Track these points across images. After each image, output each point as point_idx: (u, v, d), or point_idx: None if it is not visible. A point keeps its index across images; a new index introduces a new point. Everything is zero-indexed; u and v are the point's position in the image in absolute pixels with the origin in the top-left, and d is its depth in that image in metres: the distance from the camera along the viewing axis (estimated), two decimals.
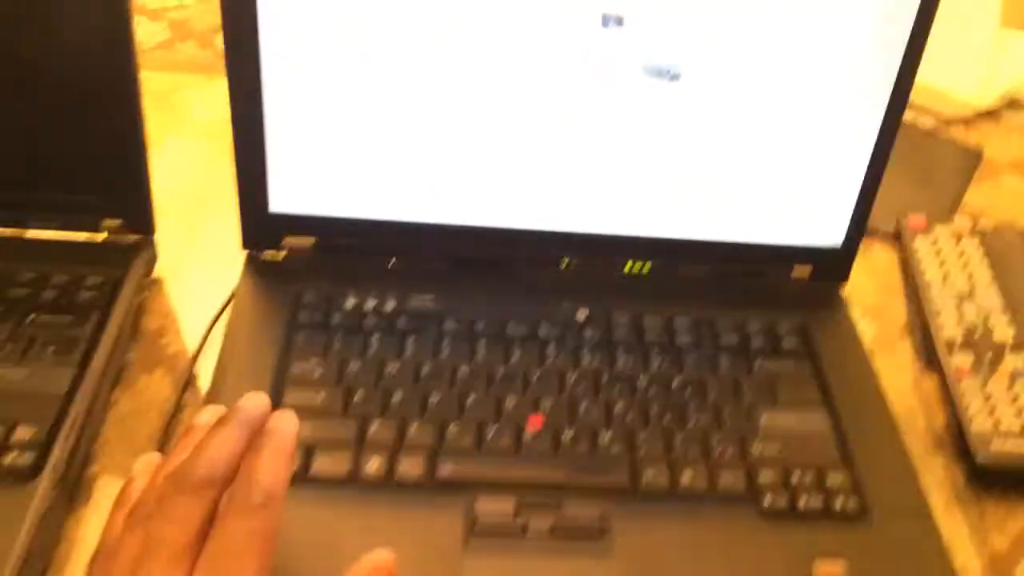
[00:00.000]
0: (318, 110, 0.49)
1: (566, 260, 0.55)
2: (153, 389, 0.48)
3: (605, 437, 0.46)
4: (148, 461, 0.36)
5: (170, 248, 0.56)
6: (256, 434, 0.34)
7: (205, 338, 0.50)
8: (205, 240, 0.58)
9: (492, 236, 0.53)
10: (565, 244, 0.55)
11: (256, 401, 0.35)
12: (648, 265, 0.56)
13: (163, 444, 0.46)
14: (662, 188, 0.53)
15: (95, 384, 0.45)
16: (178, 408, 0.47)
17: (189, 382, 0.48)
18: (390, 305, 0.51)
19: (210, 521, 0.32)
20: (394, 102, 0.49)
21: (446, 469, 0.44)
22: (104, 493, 0.44)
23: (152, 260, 0.54)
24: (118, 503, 0.34)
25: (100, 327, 0.47)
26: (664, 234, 0.54)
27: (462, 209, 0.53)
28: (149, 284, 0.54)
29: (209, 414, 0.36)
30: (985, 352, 0.54)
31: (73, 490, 0.43)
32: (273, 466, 0.33)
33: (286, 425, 0.35)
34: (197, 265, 0.56)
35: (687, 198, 0.53)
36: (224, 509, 0.32)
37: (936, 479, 0.51)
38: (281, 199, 0.52)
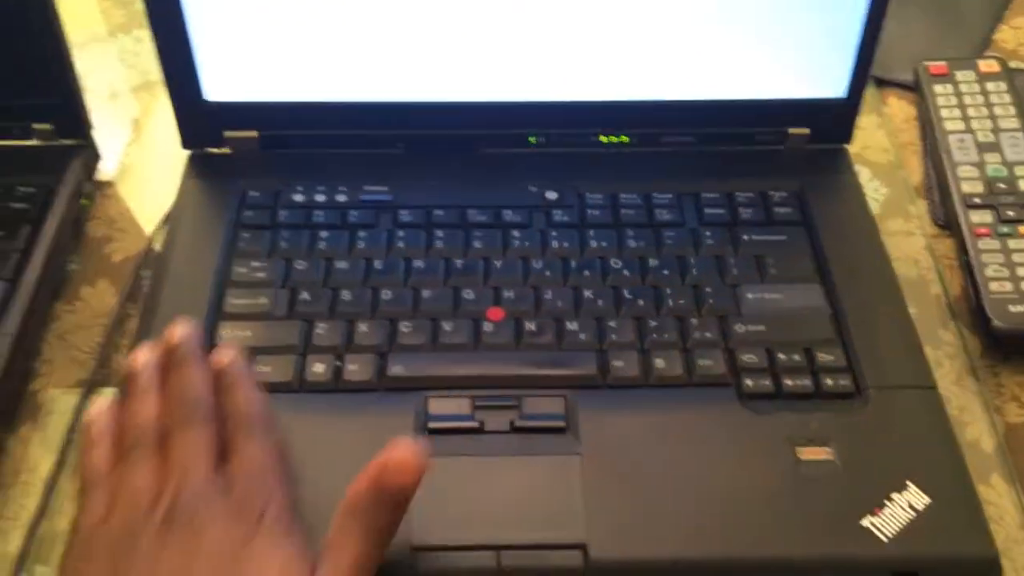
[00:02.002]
0: None
1: (534, 136, 0.50)
2: (96, 301, 0.46)
3: (572, 326, 0.42)
4: (99, 407, 0.34)
5: (122, 148, 0.52)
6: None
7: (149, 245, 0.48)
8: (161, 138, 0.54)
9: (451, 112, 0.49)
10: (532, 117, 0.50)
11: (185, 333, 0.35)
12: (625, 137, 0.51)
13: (105, 359, 0.43)
14: (637, 43, 0.47)
15: (28, 299, 0.43)
16: (120, 320, 0.45)
17: (131, 293, 0.46)
18: (340, 198, 0.48)
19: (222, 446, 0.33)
20: None
21: (397, 369, 0.41)
22: (47, 410, 0.42)
23: (92, 163, 0.51)
24: (89, 443, 0.33)
25: (33, 238, 0.45)
26: (642, 97, 0.49)
27: (416, 83, 0.48)
28: (93, 189, 0.51)
29: (146, 354, 0.35)
30: (1007, 208, 0.49)
31: (11, 408, 0.41)
32: (255, 397, 0.34)
33: (234, 358, 0.35)
34: (152, 166, 0.53)
35: (666, 53, 0.47)
36: (234, 441, 0.33)
37: (949, 350, 0.46)
38: (216, 85, 0.47)
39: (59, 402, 0.42)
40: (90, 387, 0.42)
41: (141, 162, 0.53)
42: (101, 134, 0.51)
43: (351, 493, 0.32)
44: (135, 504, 0.31)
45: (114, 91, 0.58)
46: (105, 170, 0.52)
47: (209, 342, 0.41)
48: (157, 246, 0.48)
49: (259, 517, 0.31)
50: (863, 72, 0.49)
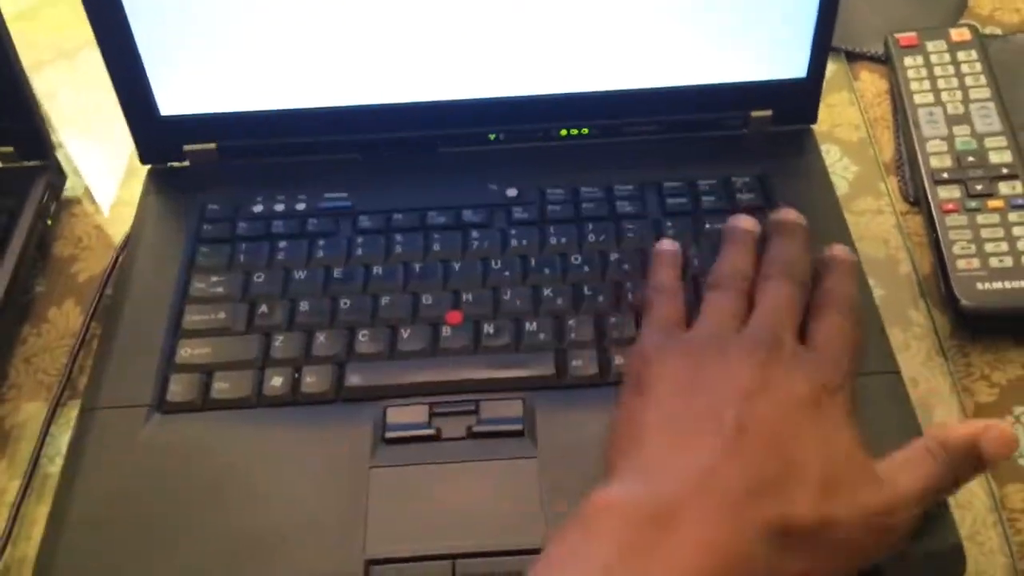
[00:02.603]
0: None
1: (494, 134, 0.50)
2: (63, 323, 0.47)
3: (531, 326, 0.42)
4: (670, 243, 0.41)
5: (90, 165, 0.53)
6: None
7: (113, 264, 0.48)
8: (127, 154, 0.55)
9: (408, 113, 0.49)
10: (491, 114, 0.49)
11: (798, 216, 0.39)
12: (586, 129, 0.50)
13: (68, 379, 0.44)
14: (593, 34, 0.46)
15: None
16: (84, 340, 0.45)
17: (96, 312, 0.46)
18: (300, 206, 0.48)
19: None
20: None
21: (354, 379, 0.41)
22: (15, 436, 0.42)
23: (57, 183, 0.51)
24: (661, 263, 0.40)
25: None
26: (600, 88, 0.48)
27: (372, 87, 0.48)
28: (59, 209, 0.51)
29: (751, 219, 0.40)
30: (976, 182, 0.48)
31: None
32: (854, 288, 0.38)
33: (846, 252, 0.39)
34: (119, 182, 0.53)
35: (623, 42, 0.47)
36: (823, 313, 0.36)
37: (918, 331, 0.45)
38: (170, 100, 0.47)
39: (26, 427, 0.43)
40: (55, 409, 0.43)
41: (109, 177, 0.54)
42: (71, 151, 0.52)
43: (952, 429, 0.34)
44: (721, 317, 0.35)
45: (85, 106, 0.58)
46: (72, 187, 0.53)
47: (168, 363, 0.42)
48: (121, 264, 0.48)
49: (836, 387, 0.33)
50: (822, 51, 0.48)
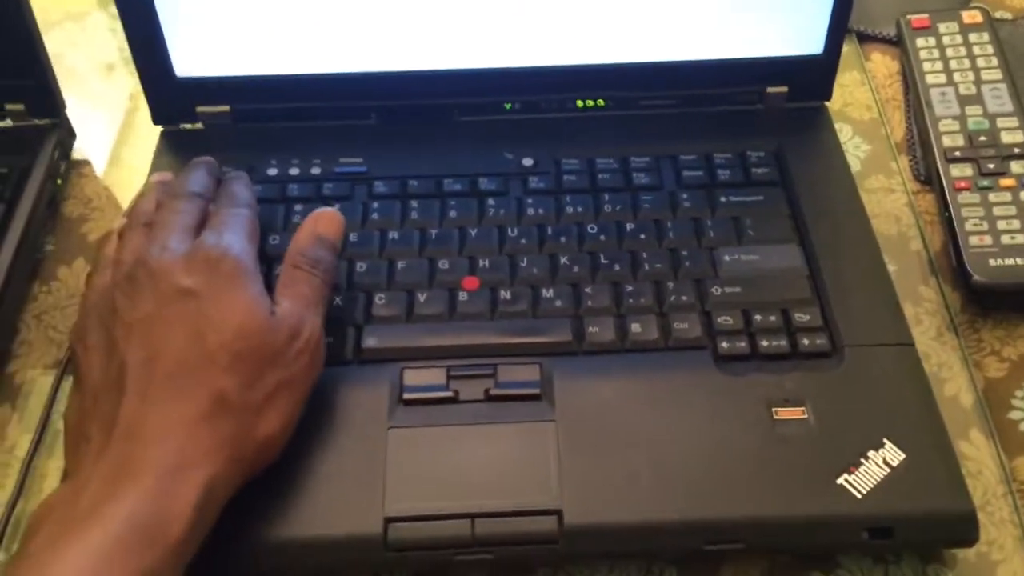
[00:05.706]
0: None
1: (510, 103, 0.50)
2: (73, 281, 0.46)
3: (548, 293, 0.42)
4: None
5: (98, 127, 0.52)
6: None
7: None
8: (137, 116, 0.54)
9: (425, 81, 0.48)
10: (507, 84, 0.49)
11: (202, 158, 0.42)
12: (602, 100, 0.50)
13: None
14: (612, 6, 0.46)
15: (3, 280, 0.43)
16: None
17: None
18: (315, 170, 0.47)
19: (202, 223, 0.38)
20: None
21: (371, 341, 0.41)
22: (25, 391, 0.42)
23: (67, 143, 0.51)
24: (105, 238, 0.39)
25: (7, 219, 0.45)
26: (618, 60, 0.48)
27: (389, 53, 0.47)
28: (68, 169, 0.51)
29: (162, 173, 0.42)
30: (988, 161, 0.48)
31: None
32: (243, 187, 0.41)
33: (239, 173, 0.42)
34: (128, 144, 0.53)
35: (641, 14, 0.47)
36: (213, 213, 0.38)
37: (929, 307, 0.46)
38: (186, 61, 0.47)
39: (37, 383, 0.42)
40: (65, 367, 0.42)
41: (117, 139, 0.53)
42: (79, 112, 0.51)
43: (292, 246, 0.39)
44: (116, 270, 0.36)
45: (93, 68, 0.57)
46: (81, 149, 0.52)
47: None
48: None
49: (218, 266, 0.35)
50: (840, 28, 0.48)
